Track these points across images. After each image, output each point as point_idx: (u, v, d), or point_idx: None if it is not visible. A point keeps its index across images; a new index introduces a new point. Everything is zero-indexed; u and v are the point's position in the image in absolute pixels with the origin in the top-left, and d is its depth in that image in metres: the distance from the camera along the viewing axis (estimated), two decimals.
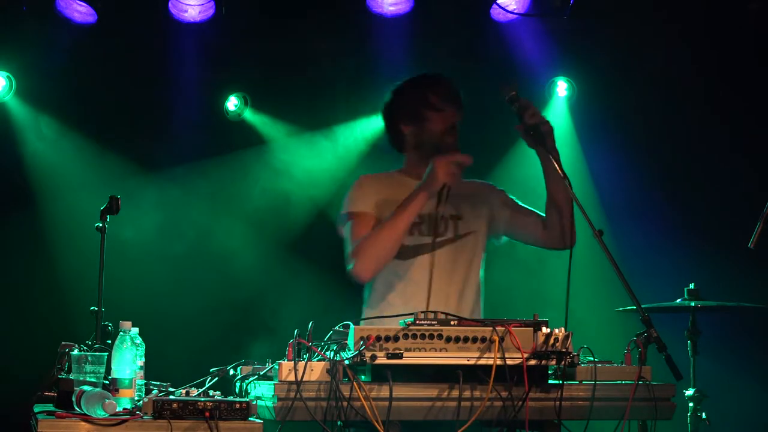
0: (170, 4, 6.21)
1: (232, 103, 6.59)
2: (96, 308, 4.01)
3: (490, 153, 6.23)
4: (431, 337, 3.17)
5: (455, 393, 3.20)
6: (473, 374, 3.19)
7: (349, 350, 3.15)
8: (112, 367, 3.27)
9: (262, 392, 3.28)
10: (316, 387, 3.14)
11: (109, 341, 3.70)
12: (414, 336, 3.16)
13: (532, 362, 3.21)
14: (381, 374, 3.15)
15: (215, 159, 6.51)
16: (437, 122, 4.04)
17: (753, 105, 6.34)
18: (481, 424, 3.20)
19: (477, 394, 3.21)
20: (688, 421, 5.24)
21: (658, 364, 3.37)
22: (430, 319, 3.21)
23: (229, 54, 6.48)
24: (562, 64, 6.71)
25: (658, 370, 3.39)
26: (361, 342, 3.12)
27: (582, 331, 3.44)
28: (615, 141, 6.53)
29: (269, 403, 3.18)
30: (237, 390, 3.49)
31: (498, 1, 6.40)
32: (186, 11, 6.27)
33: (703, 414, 5.23)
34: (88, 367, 3.28)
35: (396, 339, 3.14)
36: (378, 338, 3.13)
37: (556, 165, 3.81)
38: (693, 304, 5.23)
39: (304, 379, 3.12)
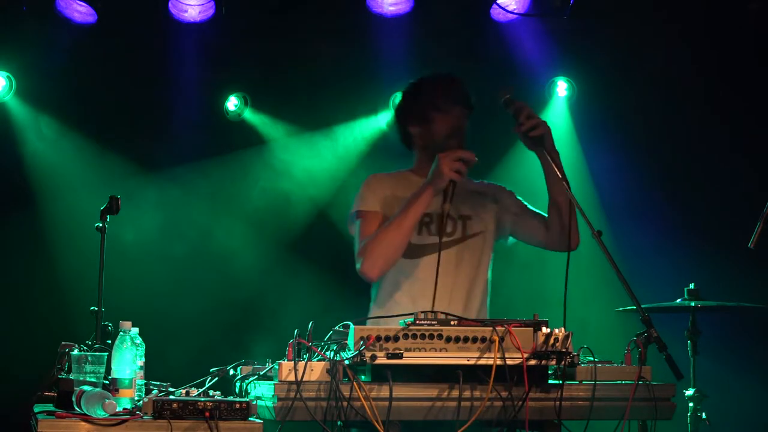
0: (170, 4, 6.21)
1: (232, 103, 6.59)
2: (96, 308, 4.01)
3: (491, 153, 6.22)
4: (431, 337, 3.17)
5: (455, 393, 3.20)
6: (473, 374, 3.19)
7: (349, 350, 3.15)
8: (112, 367, 3.28)
9: (262, 392, 3.28)
10: (316, 387, 3.14)
11: (109, 341, 3.70)
12: (414, 336, 3.16)
13: (532, 362, 3.21)
14: (381, 374, 3.15)
15: (215, 159, 6.51)
16: (443, 124, 4.05)
17: (753, 105, 6.34)
18: (481, 424, 3.20)
19: (477, 394, 3.21)
20: (688, 421, 5.24)
21: (658, 364, 3.37)
22: (430, 319, 3.21)
23: (229, 54, 6.48)
24: (562, 64, 6.71)
25: (658, 370, 3.39)
26: (361, 342, 3.12)
27: (582, 331, 3.44)
28: (615, 141, 6.53)
29: (269, 403, 3.18)
30: (237, 390, 3.49)
31: (498, 1, 6.40)
32: (186, 11, 6.27)
33: (703, 414, 5.23)
34: (88, 367, 3.28)
35: (396, 339, 3.15)
36: (378, 338, 3.13)
37: (554, 166, 3.81)
38: (693, 304, 5.23)
39: (304, 379, 3.12)
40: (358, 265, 3.96)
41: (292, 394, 3.11)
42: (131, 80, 6.31)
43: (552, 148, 3.89)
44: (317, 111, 6.58)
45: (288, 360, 3.17)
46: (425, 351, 3.17)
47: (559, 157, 3.91)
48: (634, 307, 3.45)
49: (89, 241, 4.29)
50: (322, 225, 6.54)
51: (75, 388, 3.19)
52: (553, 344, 3.21)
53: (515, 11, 6.42)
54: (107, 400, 3.03)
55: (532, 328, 3.24)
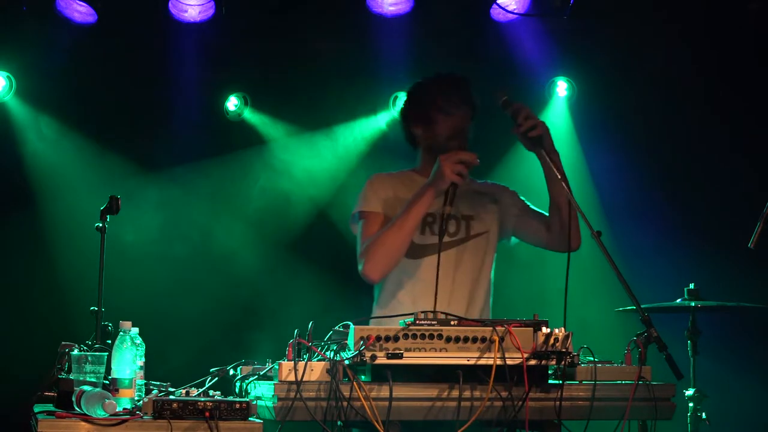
0: (170, 4, 6.21)
1: (232, 103, 6.59)
2: (96, 308, 4.01)
3: (491, 153, 6.22)
4: (431, 337, 3.17)
5: (455, 393, 3.20)
6: (473, 374, 3.19)
7: (349, 350, 3.15)
8: (112, 367, 3.28)
9: (262, 392, 3.28)
10: (316, 387, 3.14)
11: (109, 341, 3.70)
12: (414, 336, 3.16)
13: (532, 362, 3.21)
14: (381, 374, 3.15)
15: (215, 159, 6.51)
16: (445, 125, 4.05)
17: (753, 105, 6.34)
18: (481, 424, 3.20)
19: (477, 394, 3.21)
20: (688, 421, 5.24)
21: (658, 364, 3.37)
22: (430, 319, 3.21)
23: (229, 54, 6.48)
24: (562, 64, 6.71)
25: (658, 370, 3.39)
26: (361, 342, 3.12)
27: (582, 331, 3.44)
28: (615, 141, 6.53)
29: (269, 403, 3.18)
30: (237, 390, 3.49)
31: (498, 1, 6.40)
32: (186, 11, 6.27)
33: (703, 414, 5.23)
34: (88, 367, 3.28)
35: (396, 339, 3.14)
36: (378, 338, 3.13)
37: (553, 167, 3.81)
38: (693, 304, 5.23)
39: (304, 379, 3.12)
40: (360, 267, 3.96)
41: (292, 394, 3.11)
42: (131, 80, 6.31)
43: (551, 148, 3.89)
44: (317, 111, 6.58)
45: (288, 360, 3.17)
46: (425, 351, 3.17)
47: (558, 157, 3.91)
48: (634, 307, 3.45)
49: (89, 241, 4.29)
50: (322, 225, 6.54)
51: (75, 388, 3.19)
52: (553, 344, 3.21)
53: (515, 11, 6.42)
54: (107, 400, 3.03)
55: (532, 328, 3.24)
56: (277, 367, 3.16)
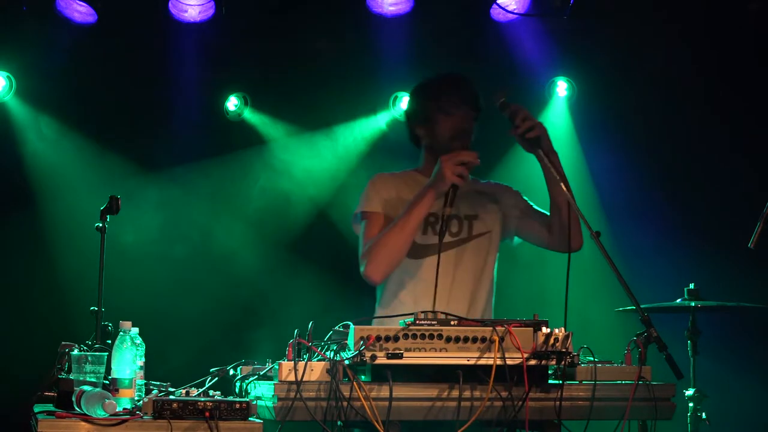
0: (170, 4, 6.21)
1: (232, 103, 6.59)
2: (96, 308, 4.01)
3: (491, 153, 6.23)
4: (431, 337, 3.17)
5: (455, 393, 3.20)
6: (473, 374, 3.19)
7: (349, 350, 3.15)
8: (112, 367, 3.28)
9: (262, 392, 3.28)
10: (316, 387, 3.14)
11: (109, 341, 3.70)
12: (414, 336, 3.16)
13: (532, 362, 3.21)
14: (381, 374, 3.15)
15: (215, 159, 6.51)
16: (447, 126, 4.04)
17: (753, 105, 6.34)
18: (481, 424, 3.20)
19: (477, 394, 3.21)
20: (688, 421, 5.24)
21: (658, 364, 3.37)
22: (430, 319, 3.21)
23: (229, 54, 6.48)
24: (562, 64, 6.71)
25: (658, 370, 3.39)
26: (361, 342, 3.12)
27: (582, 331, 3.44)
28: (615, 141, 6.53)
29: (269, 403, 3.18)
30: (237, 390, 3.49)
31: (498, 1, 6.40)
32: (186, 11, 6.27)
33: (703, 414, 5.23)
34: (88, 367, 3.28)
35: (396, 339, 3.15)
36: (378, 338, 3.13)
37: (551, 167, 3.82)
38: (693, 304, 5.23)
39: (304, 379, 3.12)
40: (362, 269, 3.96)
41: (292, 394, 3.11)
42: (131, 80, 6.31)
43: (550, 149, 3.89)
44: (317, 111, 6.58)
45: (288, 360, 3.17)
46: (425, 351, 3.17)
47: (557, 157, 3.91)
48: (634, 307, 3.45)
49: (89, 241, 4.29)
50: (322, 225, 6.54)
51: (75, 388, 3.19)
52: (553, 344, 3.21)
53: (515, 11, 6.42)
54: (107, 400, 3.03)
55: (532, 328, 3.24)
56: (277, 367, 3.17)
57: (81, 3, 6.13)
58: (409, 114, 4.27)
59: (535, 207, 4.19)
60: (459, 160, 3.83)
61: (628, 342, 3.41)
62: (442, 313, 3.26)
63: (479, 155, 3.88)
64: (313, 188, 6.58)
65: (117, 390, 3.23)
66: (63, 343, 3.59)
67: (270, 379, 3.29)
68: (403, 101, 6.59)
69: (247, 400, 3.13)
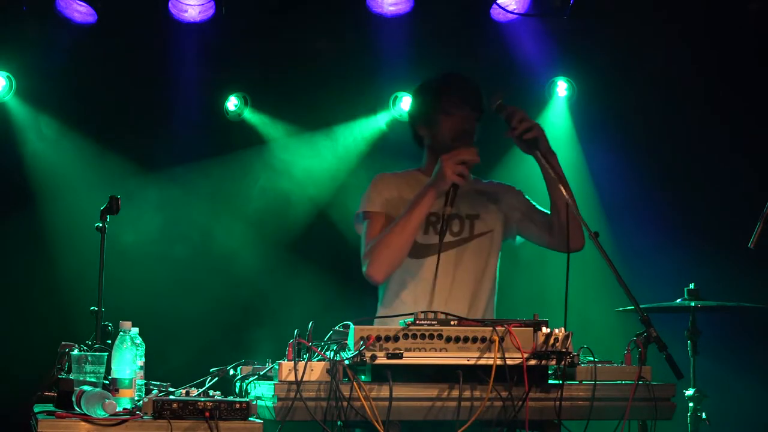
0: (170, 4, 6.21)
1: (232, 103, 6.59)
2: (96, 308, 4.01)
3: (491, 153, 6.23)
4: (431, 337, 3.17)
5: (455, 393, 3.20)
6: (473, 374, 3.19)
7: (349, 350, 3.15)
8: (112, 367, 3.28)
9: (262, 392, 3.28)
10: (316, 387, 3.14)
11: (109, 341, 3.70)
12: (414, 336, 3.16)
13: (532, 362, 3.21)
14: (381, 374, 3.15)
15: (215, 159, 6.51)
16: (448, 127, 4.04)
17: (753, 105, 6.34)
18: (481, 424, 3.20)
19: (477, 394, 3.21)
20: (688, 421, 5.24)
21: (658, 364, 3.37)
22: (430, 319, 3.21)
23: (229, 54, 6.48)
24: (562, 64, 6.71)
25: (658, 370, 3.39)
26: (361, 342, 3.12)
27: (582, 331, 3.44)
28: (615, 141, 6.53)
29: (269, 403, 3.18)
30: (237, 390, 3.49)
31: (498, 1, 6.40)
32: (186, 11, 6.27)
33: (703, 414, 5.23)
34: (88, 367, 3.28)
35: (396, 339, 3.15)
36: (378, 338, 3.13)
37: (549, 169, 3.82)
38: (693, 304, 5.23)
39: (304, 379, 3.12)
40: (364, 269, 3.96)
41: (292, 394, 3.11)
42: (131, 80, 6.31)
43: (547, 150, 3.89)
44: (317, 111, 6.58)
45: (288, 360, 3.17)
46: (425, 351, 3.17)
47: (555, 158, 3.91)
48: (634, 307, 3.45)
49: (89, 241, 4.29)
50: (322, 225, 6.54)
51: (75, 388, 3.19)
52: (553, 344, 3.21)
53: (515, 11, 6.42)
54: (107, 400, 3.03)
55: (532, 328, 3.24)
56: (277, 367, 3.17)
57: (81, 3, 6.13)
58: (412, 114, 4.27)
59: (538, 206, 4.18)
60: (459, 159, 3.83)
61: (628, 342, 3.41)
62: (442, 313, 3.26)
63: (479, 153, 3.87)
64: (313, 188, 6.58)
65: (117, 390, 3.23)
66: (63, 343, 3.59)
67: (270, 379, 3.29)
68: (404, 101, 6.60)
69: (247, 400, 3.13)
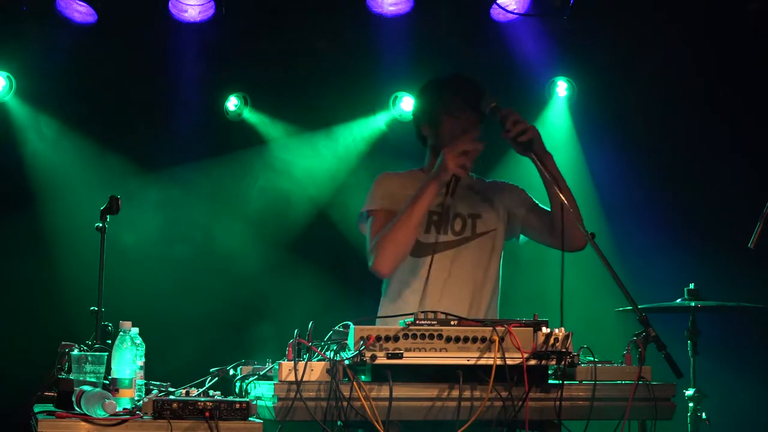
0: (170, 4, 6.21)
1: (232, 103, 6.59)
2: (96, 308, 4.01)
3: (491, 153, 6.22)
4: (431, 337, 3.17)
5: (455, 393, 3.20)
6: (473, 374, 3.19)
7: (349, 350, 3.15)
8: (112, 367, 3.28)
9: (262, 392, 3.28)
10: (316, 387, 3.14)
11: (109, 341, 3.70)
12: (414, 336, 3.16)
13: (532, 362, 3.21)
14: (381, 374, 3.15)
15: (215, 159, 6.52)
16: (452, 128, 4.04)
17: (753, 105, 6.35)
18: (481, 424, 3.20)
19: (477, 394, 3.21)
20: (688, 421, 5.24)
21: (658, 364, 3.37)
22: (430, 319, 3.21)
23: (229, 54, 6.48)
24: (562, 64, 6.71)
25: (658, 369, 3.39)
26: (361, 342, 3.12)
27: (582, 331, 3.44)
28: (615, 141, 6.53)
29: (269, 403, 3.18)
30: (237, 390, 3.49)
31: (498, 1, 6.40)
32: (186, 11, 6.27)
33: (703, 414, 5.23)
34: (88, 367, 3.28)
35: (396, 339, 3.15)
36: (378, 338, 3.13)
37: (544, 170, 3.82)
38: (693, 304, 5.23)
39: (304, 379, 3.12)
40: (369, 263, 3.96)
41: (292, 394, 3.11)
42: (131, 80, 6.31)
43: (542, 151, 3.89)
44: (317, 111, 6.58)
45: (288, 360, 3.17)
46: (425, 351, 3.17)
47: (551, 159, 3.91)
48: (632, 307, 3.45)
49: (89, 241, 4.29)
50: (322, 225, 6.54)
51: (75, 388, 3.19)
52: (553, 344, 3.21)
53: (515, 11, 6.42)
54: (107, 400, 3.03)
55: (532, 328, 3.24)
56: (277, 367, 3.16)
57: (81, 3, 6.13)
58: (416, 113, 4.28)
59: (540, 205, 4.18)
60: (462, 149, 3.84)
61: (628, 342, 3.41)
62: (442, 313, 3.26)
63: (481, 144, 3.88)
64: (313, 188, 6.58)
65: (117, 390, 3.23)
66: (63, 343, 3.59)
67: (270, 379, 3.29)
68: (403, 101, 6.60)
69: (247, 400, 3.13)
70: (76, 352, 3.41)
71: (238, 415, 3.08)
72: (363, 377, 3.18)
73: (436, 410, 3.22)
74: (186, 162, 6.40)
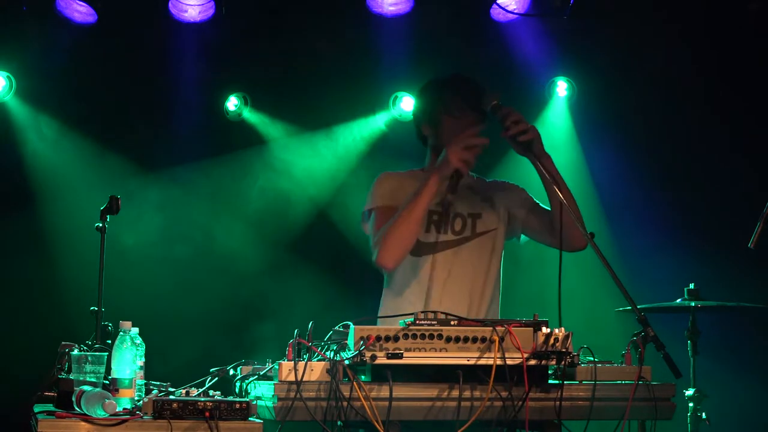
0: (170, 4, 6.21)
1: (232, 103, 6.59)
2: (96, 308, 4.01)
3: (491, 153, 6.22)
4: (431, 337, 3.17)
5: (455, 393, 3.20)
6: (473, 374, 3.19)
7: (349, 350, 3.15)
8: (112, 367, 3.28)
9: (262, 392, 3.28)
10: (316, 387, 3.14)
11: (109, 341, 3.70)
12: (414, 336, 3.16)
13: (532, 362, 3.21)
14: (381, 374, 3.15)
15: (215, 159, 6.52)
16: (452, 128, 4.03)
17: (753, 105, 6.35)
18: (481, 424, 3.20)
19: (477, 394, 3.21)
20: (688, 421, 5.24)
21: (658, 364, 3.37)
22: (430, 319, 3.21)
23: (229, 54, 6.48)
24: (562, 64, 6.71)
25: (658, 369, 3.39)
26: (361, 342, 3.12)
27: (582, 331, 3.44)
28: (615, 141, 6.53)
29: (269, 403, 3.18)
30: (237, 390, 3.49)
31: (498, 1, 6.40)
32: (186, 11, 6.27)
33: (703, 414, 5.23)
34: (88, 367, 3.28)
35: (396, 339, 3.14)
36: (378, 338, 3.13)
37: (543, 171, 3.82)
38: (693, 304, 5.23)
39: (304, 379, 3.12)
40: (373, 257, 3.95)
41: (292, 394, 3.11)
42: (131, 80, 6.31)
43: (541, 152, 3.89)
44: (317, 111, 6.58)
45: (288, 360, 3.17)
46: (425, 351, 3.17)
47: (550, 160, 3.90)
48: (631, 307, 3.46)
49: (89, 241, 4.29)
50: (322, 225, 6.54)
51: (75, 388, 3.19)
52: (553, 344, 3.21)
53: (515, 11, 6.42)
54: (107, 400, 3.03)
55: (532, 328, 3.24)
56: (277, 367, 3.16)
57: (81, 3, 6.13)
58: (416, 113, 4.28)
59: (541, 205, 4.18)
60: (466, 143, 3.84)
61: (627, 342, 3.41)
62: (442, 313, 3.26)
63: (486, 138, 3.88)
64: (313, 188, 6.58)
65: (117, 390, 3.23)
66: (63, 343, 3.59)
67: (270, 379, 3.29)
68: (403, 101, 6.60)
69: (247, 400, 3.13)
70: (76, 352, 3.41)
71: (238, 415, 3.08)
72: (363, 377, 3.18)
73: (436, 410, 3.22)
74: (186, 162, 6.41)
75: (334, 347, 3.23)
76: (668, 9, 6.27)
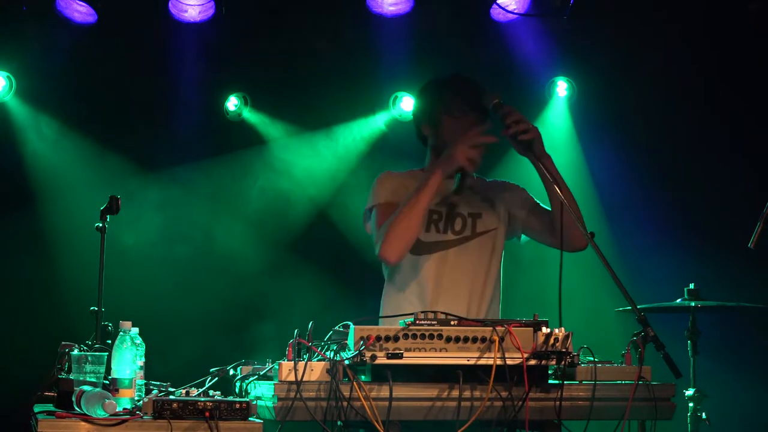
0: (170, 4, 6.21)
1: (232, 103, 6.59)
2: (96, 308, 4.01)
3: (491, 153, 6.22)
4: (431, 337, 3.17)
5: (455, 393, 3.20)
6: (473, 374, 3.19)
7: (349, 350, 3.15)
8: (112, 367, 3.28)
9: (262, 392, 3.28)
10: (316, 387, 3.14)
11: (109, 341, 3.70)
12: (414, 336, 3.16)
13: (532, 362, 3.21)
14: (381, 374, 3.15)
15: (215, 159, 6.52)
16: (453, 129, 4.03)
17: (753, 105, 6.35)
18: (481, 424, 3.20)
19: (477, 394, 3.21)
20: (688, 421, 5.24)
21: (658, 364, 3.37)
22: (430, 319, 3.21)
23: (229, 54, 6.48)
24: (562, 64, 6.71)
25: (658, 369, 3.39)
26: (361, 342, 3.12)
27: (582, 331, 3.44)
28: (615, 141, 6.53)
29: (269, 403, 3.18)
30: (237, 390, 3.49)
31: (498, 1, 6.40)
32: (186, 11, 6.27)
33: (703, 414, 5.23)
34: (88, 367, 3.28)
35: (396, 339, 3.14)
36: (378, 338, 3.13)
37: (544, 170, 3.82)
38: (693, 304, 5.23)
39: (304, 379, 3.12)
40: (376, 251, 3.94)
41: (292, 394, 3.11)
42: (131, 80, 6.31)
43: (542, 152, 3.88)
44: (317, 111, 6.58)
45: (288, 360, 3.17)
46: (425, 351, 3.17)
47: (550, 161, 3.90)
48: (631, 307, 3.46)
49: (89, 241, 4.29)
50: (322, 225, 6.54)
51: (75, 388, 3.19)
52: (553, 344, 3.21)
53: (515, 11, 6.42)
54: (107, 400, 3.03)
55: (532, 328, 3.24)
56: (277, 367, 3.16)
57: (81, 3, 6.13)
58: (416, 113, 4.27)
59: (542, 205, 4.18)
60: (473, 141, 3.84)
61: (627, 342, 3.41)
62: (442, 313, 3.26)
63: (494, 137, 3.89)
64: (313, 188, 6.58)
65: (117, 390, 3.23)
66: (63, 343, 3.59)
67: (270, 379, 3.29)
68: (403, 101, 6.60)
69: (247, 400, 3.13)
70: (76, 352, 3.41)
71: (238, 415, 3.08)
72: (363, 377, 3.18)
73: (436, 410, 3.22)
74: (186, 162, 6.41)
75: (334, 347, 3.23)
76: (668, 9, 6.27)
